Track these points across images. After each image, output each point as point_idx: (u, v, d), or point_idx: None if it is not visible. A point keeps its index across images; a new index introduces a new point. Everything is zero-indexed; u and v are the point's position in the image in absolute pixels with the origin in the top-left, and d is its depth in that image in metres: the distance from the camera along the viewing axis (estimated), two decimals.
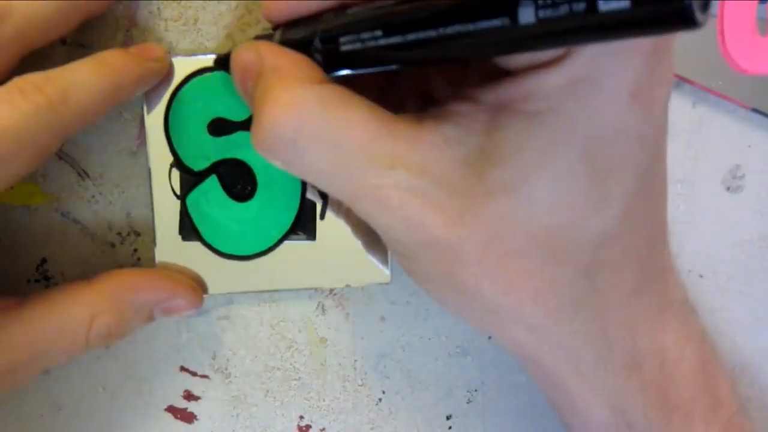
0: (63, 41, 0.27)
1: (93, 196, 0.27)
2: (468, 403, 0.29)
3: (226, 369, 0.29)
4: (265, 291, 0.28)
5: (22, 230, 0.28)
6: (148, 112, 0.26)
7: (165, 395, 0.29)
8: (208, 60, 0.26)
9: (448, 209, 0.18)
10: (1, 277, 0.28)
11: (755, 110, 0.28)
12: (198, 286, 0.27)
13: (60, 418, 0.29)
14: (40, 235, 0.28)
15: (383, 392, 0.29)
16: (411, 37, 0.17)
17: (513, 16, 0.14)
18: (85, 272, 0.28)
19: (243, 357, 0.28)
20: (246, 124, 0.26)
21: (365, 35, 0.18)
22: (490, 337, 0.28)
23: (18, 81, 0.22)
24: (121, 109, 0.27)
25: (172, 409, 0.29)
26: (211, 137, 0.26)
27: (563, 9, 0.13)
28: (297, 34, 0.20)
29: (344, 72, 0.19)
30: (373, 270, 0.27)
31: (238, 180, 0.27)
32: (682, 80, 0.28)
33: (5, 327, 0.23)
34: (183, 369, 0.29)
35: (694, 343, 0.21)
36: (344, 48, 0.18)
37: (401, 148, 0.18)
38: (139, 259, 0.28)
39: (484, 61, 0.19)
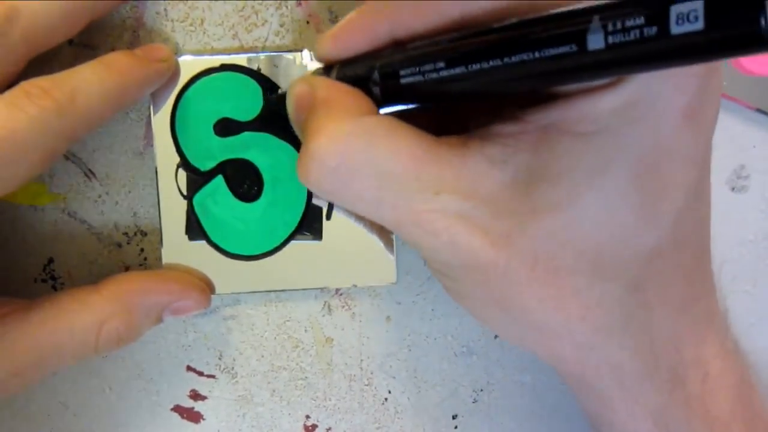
0: (70, 42, 0.27)
1: (100, 196, 0.28)
2: (474, 402, 0.29)
3: (232, 369, 0.29)
4: (271, 291, 0.28)
5: (29, 230, 0.28)
6: (155, 113, 0.26)
7: (172, 395, 0.29)
8: (215, 60, 0.26)
9: (495, 230, 0.18)
10: (9, 277, 0.28)
11: (760, 111, 0.28)
12: (206, 285, 0.27)
13: (67, 418, 0.29)
14: (47, 235, 0.28)
15: (389, 392, 0.29)
16: (475, 67, 0.16)
17: (581, 42, 0.14)
18: (92, 272, 0.28)
19: (249, 357, 0.29)
20: (252, 124, 0.26)
21: (427, 67, 0.18)
22: (496, 337, 0.28)
23: (25, 85, 0.22)
24: (128, 109, 0.27)
25: (178, 409, 0.29)
26: (217, 137, 0.26)
27: (634, 33, 0.13)
28: (354, 70, 0.20)
29: (401, 107, 0.20)
30: (380, 270, 0.27)
31: (245, 180, 0.27)
32: None
33: (14, 331, 0.24)
34: (190, 369, 0.29)
35: (732, 357, 0.21)
36: (404, 81, 0.18)
37: (446, 172, 0.18)
38: (145, 258, 0.28)
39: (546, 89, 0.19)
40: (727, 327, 0.22)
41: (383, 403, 0.29)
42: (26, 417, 0.29)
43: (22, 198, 0.27)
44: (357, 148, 0.18)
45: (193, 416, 0.29)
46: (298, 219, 0.27)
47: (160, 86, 0.26)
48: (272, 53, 0.27)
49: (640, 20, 0.13)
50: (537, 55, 0.15)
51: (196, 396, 0.29)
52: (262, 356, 0.29)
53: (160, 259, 0.28)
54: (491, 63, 0.16)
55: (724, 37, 0.12)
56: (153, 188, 0.27)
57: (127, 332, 0.25)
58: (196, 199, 0.27)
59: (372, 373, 0.29)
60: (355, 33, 0.20)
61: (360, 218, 0.27)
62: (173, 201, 0.27)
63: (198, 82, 0.26)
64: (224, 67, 0.26)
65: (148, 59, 0.25)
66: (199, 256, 0.27)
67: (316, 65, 0.27)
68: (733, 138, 0.29)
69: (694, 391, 0.20)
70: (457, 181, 0.18)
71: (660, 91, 0.17)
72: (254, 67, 0.27)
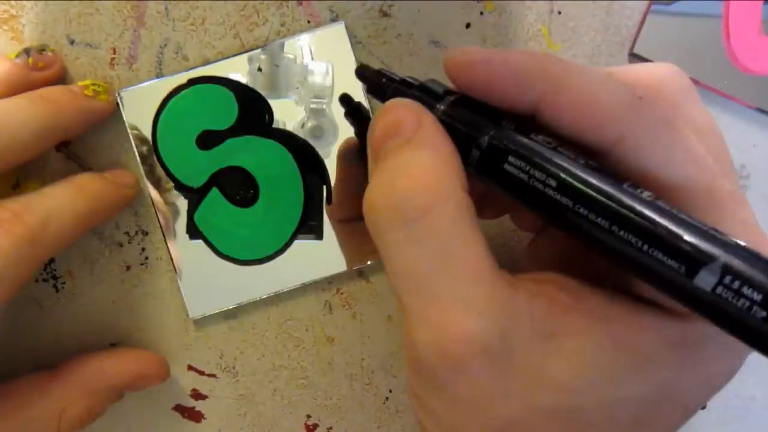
0: (71, 41, 0.27)
1: None
2: None
3: (233, 368, 0.29)
4: (285, 290, 0.28)
5: None
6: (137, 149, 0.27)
7: (173, 394, 0.29)
8: (182, 77, 0.26)
9: (504, 378, 0.16)
10: None
11: (760, 110, 0.28)
12: (162, 360, 0.27)
13: None
14: None
15: (390, 391, 0.29)
16: (581, 210, 0.16)
17: (691, 271, 0.14)
18: (93, 272, 0.28)
19: (250, 356, 0.29)
20: (233, 131, 0.26)
21: (538, 173, 0.16)
22: None
23: None
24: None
25: (179, 408, 0.29)
26: (202, 151, 0.27)
27: (742, 302, 0.13)
28: (464, 119, 0.18)
29: (484, 180, 0.18)
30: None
31: (239, 186, 0.27)
32: None
33: None
34: (191, 368, 0.29)
35: None
36: (507, 168, 0.17)
37: (496, 300, 0.16)
38: (146, 258, 0.28)
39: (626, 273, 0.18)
40: None
41: (384, 402, 0.29)
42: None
43: None
44: (444, 217, 0.16)
45: (195, 415, 0.29)
46: (300, 212, 0.27)
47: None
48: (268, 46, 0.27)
49: (758, 297, 0.13)
50: (644, 248, 0.15)
51: (197, 395, 0.29)
52: (263, 355, 0.29)
53: (160, 257, 0.28)
54: (599, 220, 0.15)
55: None
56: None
57: (88, 416, 0.25)
58: (197, 216, 0.27)
59: (373, 373, 0.29)
60: (500, 71, 0.17)
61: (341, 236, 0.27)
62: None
63: (170, 103, 0.26)
64: (192, 82, 0.26)
65: (117, 184, 0.25)
66: (216, 268, 0.27)
67: (316, 64, 0.27)
68: (733, 137, 0.29)
69: None
70: (500, 314, 0.16)
71: (710, 345, 0.17)
72: (255, 67, 0.27)
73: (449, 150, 0.17)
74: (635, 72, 0.19)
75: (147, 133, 0.27)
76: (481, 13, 0.28)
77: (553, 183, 0.16)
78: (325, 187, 0.27)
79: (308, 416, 0.29)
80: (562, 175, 0.16)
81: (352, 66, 0.27)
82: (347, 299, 0.28)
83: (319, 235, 0.27)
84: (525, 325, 0.17)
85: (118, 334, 0.28)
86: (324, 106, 0.27)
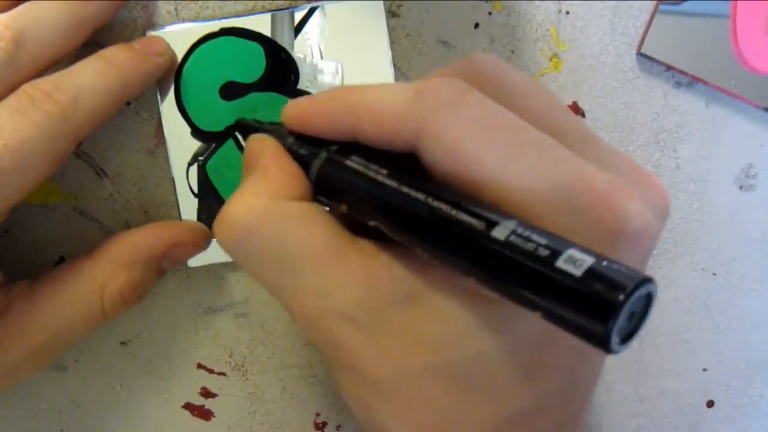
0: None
1: (111, 195, 0.28)
2: None
3: (243, 366, 0.29)
4: None
5: (41, 228, 0.28)
6: (162, 100, 0.26)
7: (182, 392, 0.29)
8: (213, 25, 0.26)
9: (376, 343, 0.18)
10: (20, 275, 0.28)
11: (767, 110, 0.29)
12: (200, 229, 0.26)
13: (78, 415, 0.29)
14: (59, 233, 0.28)
15: None
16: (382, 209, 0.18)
17: (490, 226, 0.16)
18: None
19: (260, 354, 0.29)
20: (258, 85, 0.26)
21: (341, 183, 0.19)
22: None
23: (28, 88, 0.22)
24: (138, 108, 0.27)
25: (189, 406, 0.29)
26: (224, 101, 0.26)
27: (529, 245, 0.15)
28: (305, 148, 0.21)
29: (326, 200, 0.20)
30: None
31: None
32: (695, 80, 0.28)
33: (20, 314, 0.24)
34: (200, 366, 0.29)
35: None
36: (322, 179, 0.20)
37: (347, 274, 0.18)
38: None
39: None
40: None
41: None
42: (38, 414, 0.29)
43: (34, 197, 0.28)
44: (267, 229, 0.18)
45: (204, 413, 0.29)
46: None
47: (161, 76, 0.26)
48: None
49: (544, 241, 0.15)
50: (454, 215, 0.16)
51: (206, 393, 0.29)
52: (273, 354, 0.29)
53: None
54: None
55: (584, 299, 0.14)
56: (164, 187, 0.27)
57: (129, 291, 0.24)
58: (210, 165, 0.27)
59: None
60: (319, 116, 0.20)
61: None
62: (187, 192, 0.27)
63: (199, 49, 0.26)
64: (224, 32, 0.26)
65: (147, 53, 0.25)
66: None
67: (325, 63, 0.27)
68: (741, 137, 0.29)
69: None
70: (353, 286, 0.18)
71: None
72: None
73: (280, 169, 0.20)
74: (440, 71, 0.21)
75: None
76: (490, 13, 0.28)
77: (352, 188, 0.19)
78: None
79: (317, 414, 0.29)
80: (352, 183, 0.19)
81: (384, 42, 0.27)
82: None
83: None
84: (386, 288, 0.18)
85: (128, 332, 0.28)
86: None
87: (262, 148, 0.21)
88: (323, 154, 0.20)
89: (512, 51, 0.28)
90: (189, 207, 0.27)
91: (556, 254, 0.14)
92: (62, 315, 0.24)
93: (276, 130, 0.22)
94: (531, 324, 0.18)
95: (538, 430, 0.19)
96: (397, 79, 0.27)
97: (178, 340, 0.28)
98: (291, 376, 0.29)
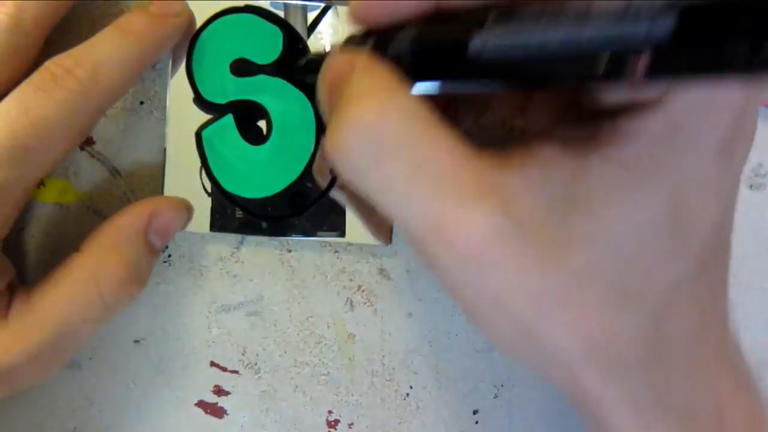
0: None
1: (125, 194, 0.28)
2: (494, 398, 0.29)
3: (255, 364, 0.29)
4: (274, 238, 0.28)
5: (55, 228, 0.28)
6: (175, 69, 0.27)
7: (195, 390, 0.29)
8: (233, 2, 0.26)
9: (529, 256, 0.17)
10: (34, 275, 0.28)
11: None
12: (179, 199, 0.26)
13: (91, 413, 0.29)
14: (73, 232, 0.28)
15: (411, 387, 0.29)
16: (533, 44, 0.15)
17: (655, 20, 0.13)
18: None
19: (272, 352, 0.29)
20: (268, 68, 0.26)
21: (490, 39, 0.16)
22: None
23: (49, 65, 0.23)
24: (152, 108, 0.28)
25: (202, 404, 0.29)
26: (232, 76, 0.27)
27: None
28: (389, 41, 0.19)
29: (431, 85, 0.18)
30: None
31: (254, 123, 0.27)
32: None
33: (18, 314, 0.24)
34: (213, 364, 0.29)
35: (746, 391, 0.21)
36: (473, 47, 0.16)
37: (486, 182, 0.16)
38: (170, 255, 0.28)
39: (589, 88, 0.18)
40: (741, 360, 0.22)
41: (405, 399, 0.29)
42: (51, 413, 0.29)
43: (49, 196, 0.28)
44: (398, 127, 0.16)
45: (217, 411, 0.29)
46: (302, 168, 0.26)
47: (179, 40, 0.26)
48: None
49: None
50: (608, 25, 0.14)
51: (219, 391, 0.29)
52: (285, 352, 0.29)
53: (184, 256, 0.28)
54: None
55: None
56: (163, 169, 0.27)
57: (125, 273, 0.24)
58: (205, 133, 0.27)
59: (394, 369, 0.29)
60: None
61: (360, 209, 0.27)
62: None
63: (220, 20, 0.26)
64: (248, 9, 0.26)
65: (164, 15, 0.25)
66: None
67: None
68: (757, 139, 0.29)
69: (706, 425, 0.20)
70: (495, 195, 0.16)
71: (699, 119, 0.17)
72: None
73: (385, 68, 0.18)
74: None
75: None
76: None
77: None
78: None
79: (330, 412, 0.29)
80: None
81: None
82: (368, 296, 0.29)
83: (341, 235, 0.27)
84: (531, 193, 0.17)
85: (140, 331, 0.29)
86: None
87: (351, 59, 0.18)
88: (417, 29, 0.18)
89: None
90: (175, 179, 0.27)
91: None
92: (61, 310, 0.24)
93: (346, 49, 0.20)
94: (679, 170, 0.17)
95: (694, 300, 0.18)
96: None
97: (191, 339, 0.29)
98: (303, 375, 0.29)
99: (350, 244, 0.28)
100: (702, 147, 0.17)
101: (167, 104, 0.27)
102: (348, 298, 0.29)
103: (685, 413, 0.20)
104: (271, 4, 0.27)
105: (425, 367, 0.29)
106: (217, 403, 0.29)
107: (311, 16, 0.27)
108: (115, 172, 0.28)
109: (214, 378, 0.29)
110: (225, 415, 0.29)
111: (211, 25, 0.26)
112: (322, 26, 0.27)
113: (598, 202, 0.17)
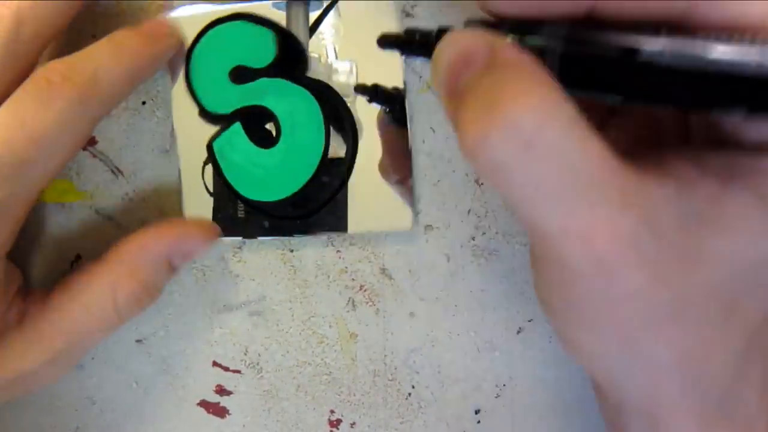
0: (93, 35, 0.27)
1: (126, 194, 0.28)
2: (496, 397, 0.29)
3: (257, 364, 0.29)
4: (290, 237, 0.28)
5: (57, 227, 0.28)
6: (173, 82, 0.27)
7: (197, 390, 0.29)
8: (224, 10, 0.26)
9: (659, 266, 0.17)
10: (37, 274, 0.28)
11: None
12: (208, 224, 0.27)
13: (94, 413, 0.29)
14: (75, 232, 0.28)
15: (413, 387, 0.29)
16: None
17: None
18: None
19: (274, 352, 0.29)
20: (267, 71, 0.26)
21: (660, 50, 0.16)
22: (518, 332, 0.29)
23: (44, 72, 0.22)
24: (154, 107, 0.28)
25: (204, 404, 0.29)
26: (233, 85, 0.27)
27: None
28: (535, 39, 0.17)
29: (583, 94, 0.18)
30: (397, 218, 0.27)
31: (262, 127, 0.27)
32: None
33: (35, 320, 0.24)
34: (215, 364, 0.29)
35: None
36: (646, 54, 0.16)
37: (631, 192, 0.17)
38: None
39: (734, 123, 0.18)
40: None
41: (407, 398, 0.29)
42: (53, 412, 0.29)
43: (50, 196, 0.28)
44: (556, 130, 0.16)
45: (219, 411, 0.29)
46: (316, 163, 0.27)
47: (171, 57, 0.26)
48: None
49: None
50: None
51: (221, 391, 0.29)
52: (287, 351, 0.29)
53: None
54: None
55: None
56: (179, 186, 0.27)
57: (142, 291, 0.25)
58: (216, 144, 0.27)
59: (396, 369, 0.29)
60: None
61: (389, 164, 0.27)
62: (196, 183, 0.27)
63: (210, 32, 0.26)
64: (235, 16, 0.26)
65: (155, 35, 0.25)
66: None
67: (340, 63, 0.27)
68: None
69: None
70: (638, 204, 0.17)
71: None
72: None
73: (535, 67, 0.17)
74: None
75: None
76: None
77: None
78: (347, 144, 0.27)
79: (332, 411, 0.29)
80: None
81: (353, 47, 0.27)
82: (370, 296, 0.29)
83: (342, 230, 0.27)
84: (668, 206, 0.17)
85: (143, 331, 0.29)
86: (348, 105, 0.27)
87: (490, 43, 0.17)
88: (557, 37, 0.17)
89: None
90: (194, 198, 0.27)
91: None
92: (77, 320, 0.24)
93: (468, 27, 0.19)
94: None
95: None
96: (407, 78, 0.28)
97: (193, 338, 0.29)
98: (305, 374, 0.29)
99: (352, 245, 0.28)
100: None
101: (173, 123, 0.27)
102: (350, 298, 0.29)
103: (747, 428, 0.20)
104: (273, 5, 0.27)
105: (427, 367, 0.29)
106: (219, 403, 0.29)
107: (313, 16, 0.27)
108: (117, 171, 0.28)
109: (217, 378, 0.29)
110: (227, 415, 0.29)
111: (203, 39, 0.26)
112: (323, 26, 0.28)
113: (730, 225, 0.17)
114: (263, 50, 0.26)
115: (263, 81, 0.26)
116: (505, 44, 0.17)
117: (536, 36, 0.17)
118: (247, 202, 0.27)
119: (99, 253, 0.28)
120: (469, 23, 0.19)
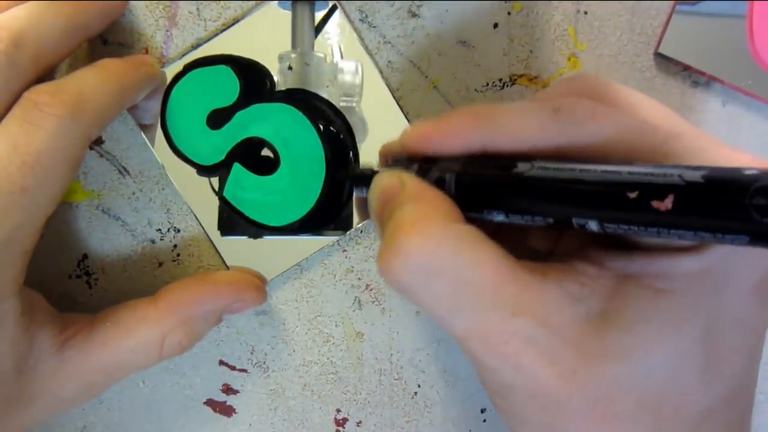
0: (104, 41, 0.27)
1: (133, 193, 0.28)
2: None
3: (264, 363, 0.29)
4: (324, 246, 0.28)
5: (64, 226, 0.28)
6: (153, 143, 0.27)
7: (204, 389, 0.29)
8: (177, 65, 0.27)
9: (563, 364, 0.18)
10: (44, 273, 0.28)
11: None
12: (260, 281, 0.27)
13: (101, 412, 0.29)
14: (82, 231, 0.28)
15: (419, 386, 0.29)
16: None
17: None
18: (126, 268, 0.28)
19: (281, 351, 0.29)
20: (239, 103, 0.26)
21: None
22: None
23: (30, 94, 0.22)
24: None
25: (211, 403, 0.29)
26: (215, 131, 0.27)
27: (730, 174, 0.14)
28: (436, 171, 0.20)
29: (477, 215, 0.20)
30: None
31: (259, 156, 0.27)
32: (712, 79, 0.28)
33: (80, 353, 0.24)
34: (222, 363, 0.29)
35: None
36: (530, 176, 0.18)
37: (525, 295, 0.18)
38: (178, 254, 0.28)
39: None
40: None
41: (413, 397, 0.29)
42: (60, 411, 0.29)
43: None
44: (445, 253, 0.18)
45: (226, 410, 0.29)
46: (324, 166, 0.26)
47: (148, 106, 0.27)
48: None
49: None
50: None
51: (228, 390, 0.29)
52: (294, 351, 0.29)
53: (192, 254, 0.28)
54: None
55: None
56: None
57: (188, 341, 0.26)
58: (227, 192, 0.27)
59: (402, 368, 0.29)
60: (449, 137, 0.20)
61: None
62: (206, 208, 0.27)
63: (173, 93, 0.27)
64: (187, 68, 0.27)
65: (138, 63, 0.25)
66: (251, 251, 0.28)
67: (345, 62, 0.27)
68: (758, 135, 0.29)
69: None
70: (535, 306, 0.18)
71: (736, 265, 0.18)
72: (285, 65, 0.27)
73: (432, 195, 0.19)
74: (553, 90, 0.22)
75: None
76: (509, 13, 0.28)
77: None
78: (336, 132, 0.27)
79: (338, 410, 0.29)
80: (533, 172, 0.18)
81: (358, 47, 0.28)
82: (376, 295, 0.29)
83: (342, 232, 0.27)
84: (566, 307, 0.18)
85: None
86: (354, 104, 0.28)
87: (401, 180, 0.20)
88: (453, 169, 0.20)
89: (531, 51, 0.28)
90: (206, 218, 0.28)
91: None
92: (121, 358, 0.25)
93: (390, 168, 0.22)
94: (714, 307, 0.18)
95: (726, 424, 0.19)
96: (412, 77, 0.28)
97: None
98: (311, 373, 0.29)
99: (358, 244, 0.28)
100: (738, 288, 0.18)
101: (174, 186, 0.28)
102: (356, 297, 0.29)
103: None
104: (279, 5, 0.27)
105: (433, 366, 0.29)
106: (225, 402, 0.29)
107: (318, 16, 0.28)
108: (124, 171, 0.28)
109: (223, 377, 0.29)
110: (234, 414, 0.29)
111: (170, 102, 0.27)
112: (329, 26, 0.28)
113: (633, 320, 0.18)
114: (227, 86, 0.27)
115: (240, 114, 0.26)
116: (410, 179, 0.20)
117: (435, 168, 0.20)
118: (281, 230, 0.27)
119: (106, 252, 0.28)
120: (396, 162, 0.22)
